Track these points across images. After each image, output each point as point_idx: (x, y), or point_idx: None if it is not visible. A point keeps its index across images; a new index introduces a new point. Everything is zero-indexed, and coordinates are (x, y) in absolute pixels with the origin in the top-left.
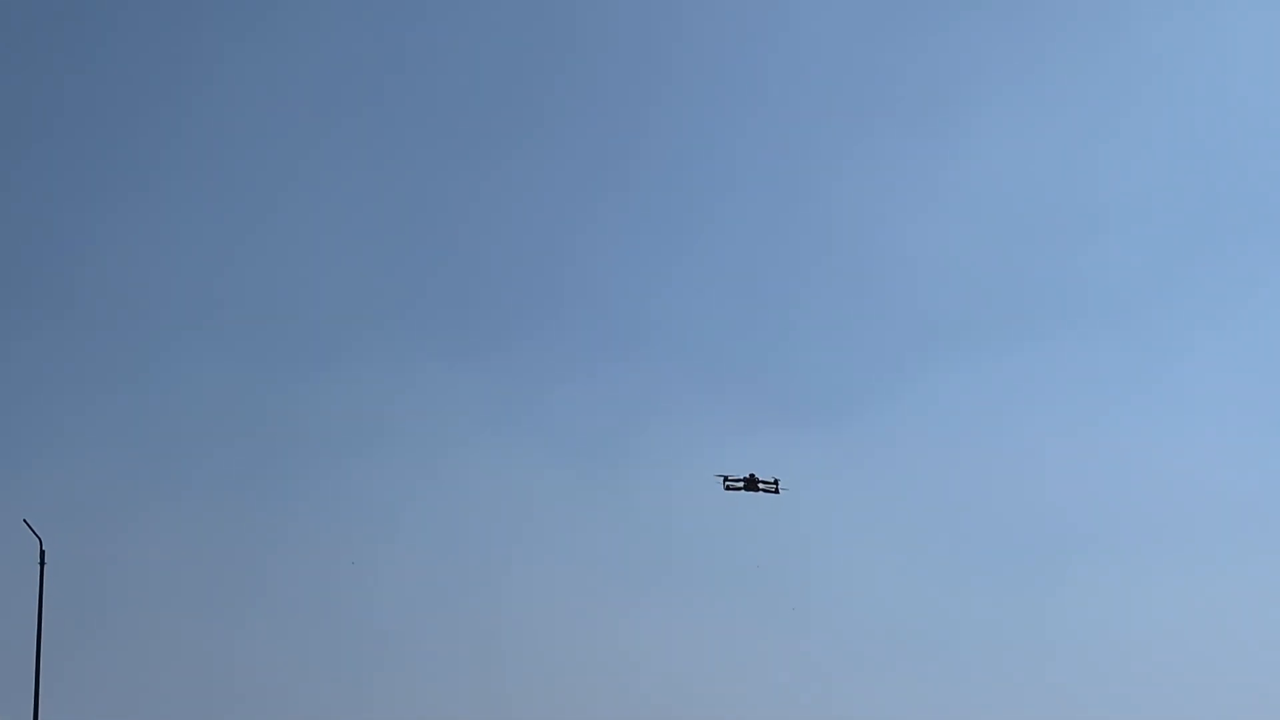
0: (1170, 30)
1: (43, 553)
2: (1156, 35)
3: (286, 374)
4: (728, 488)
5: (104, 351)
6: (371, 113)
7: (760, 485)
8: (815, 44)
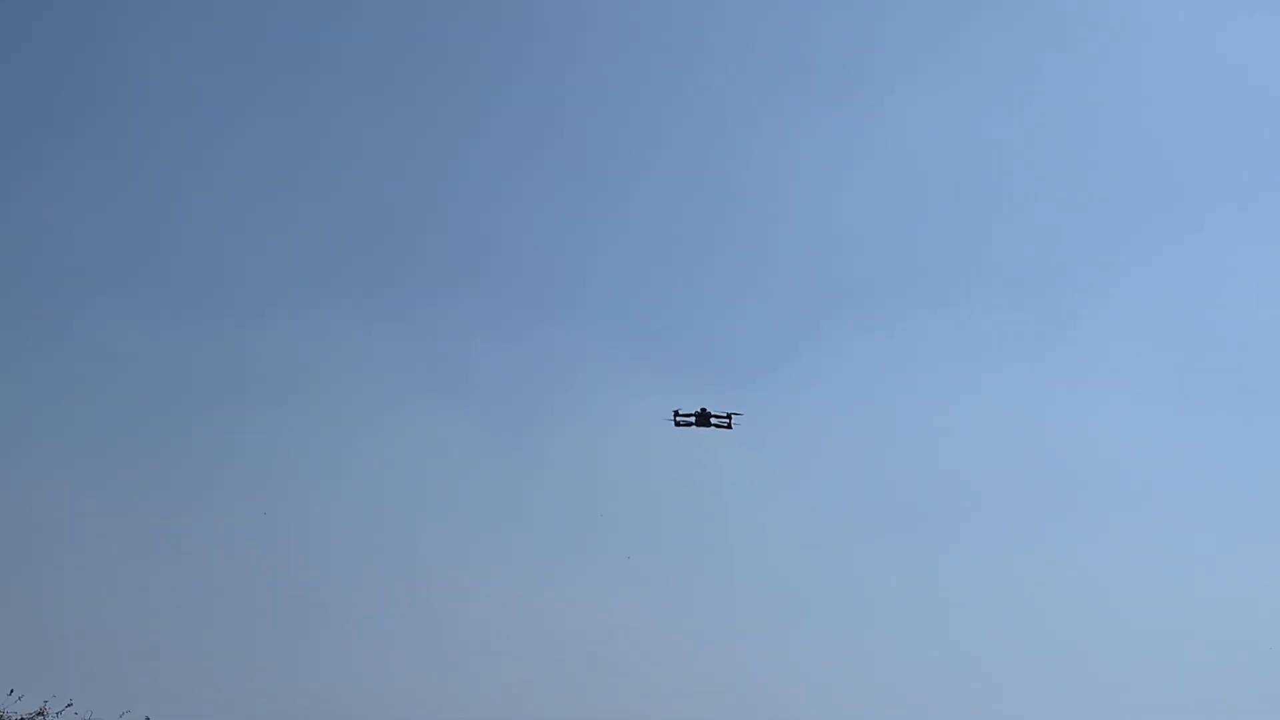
0: (1079, 8)
1: None
2: (1066, 12)
3: (206, 330)
4: (679, 424)
5: (26, 305)
6: (297, 75)
7: (713, 420)
8: (732, 15)
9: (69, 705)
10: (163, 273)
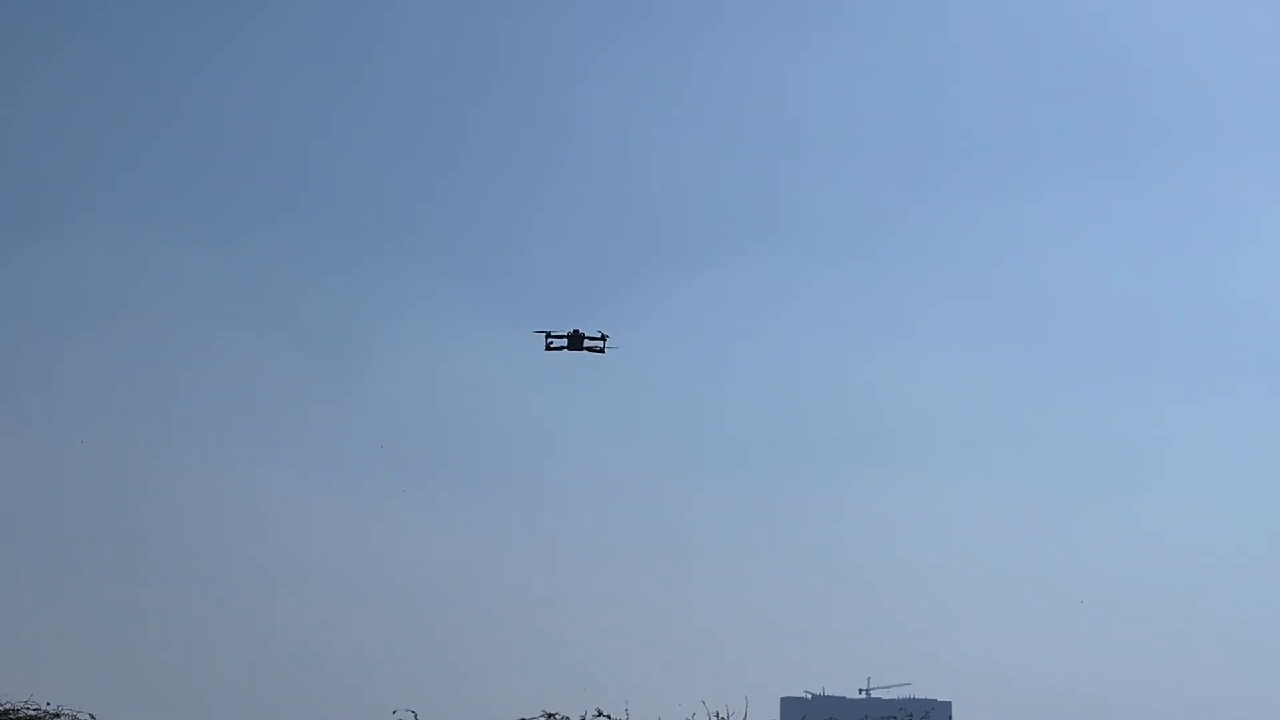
0: None
1: None
2: None
3: (10, 251)
4: (550, 348)
5: None
6: None
7: (586, 343)
8: None
9: None
10: None
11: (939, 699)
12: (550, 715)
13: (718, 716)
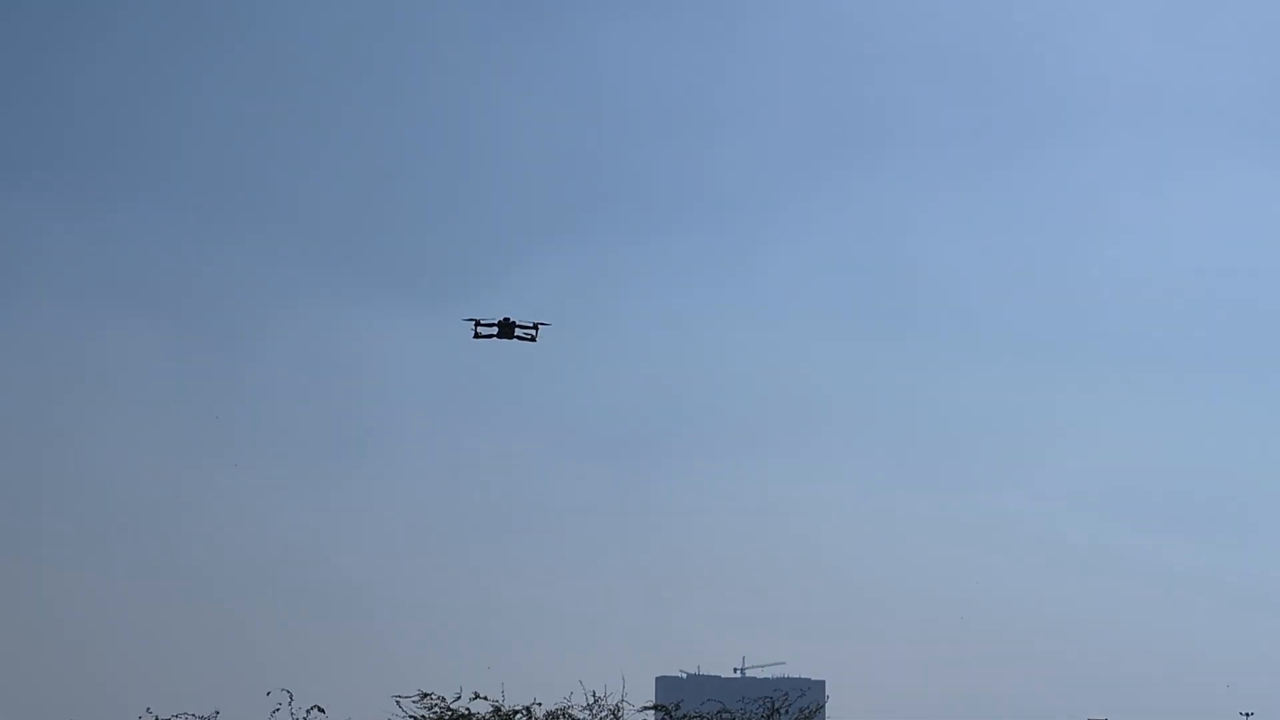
0: None
1: None
2: None
3: None
4: (479, 335)
5: None
6: None
7: (518, 331)
8: None
9: None
10: None
11: (813, 678)
12: (426, 694)
13: (594, 696)
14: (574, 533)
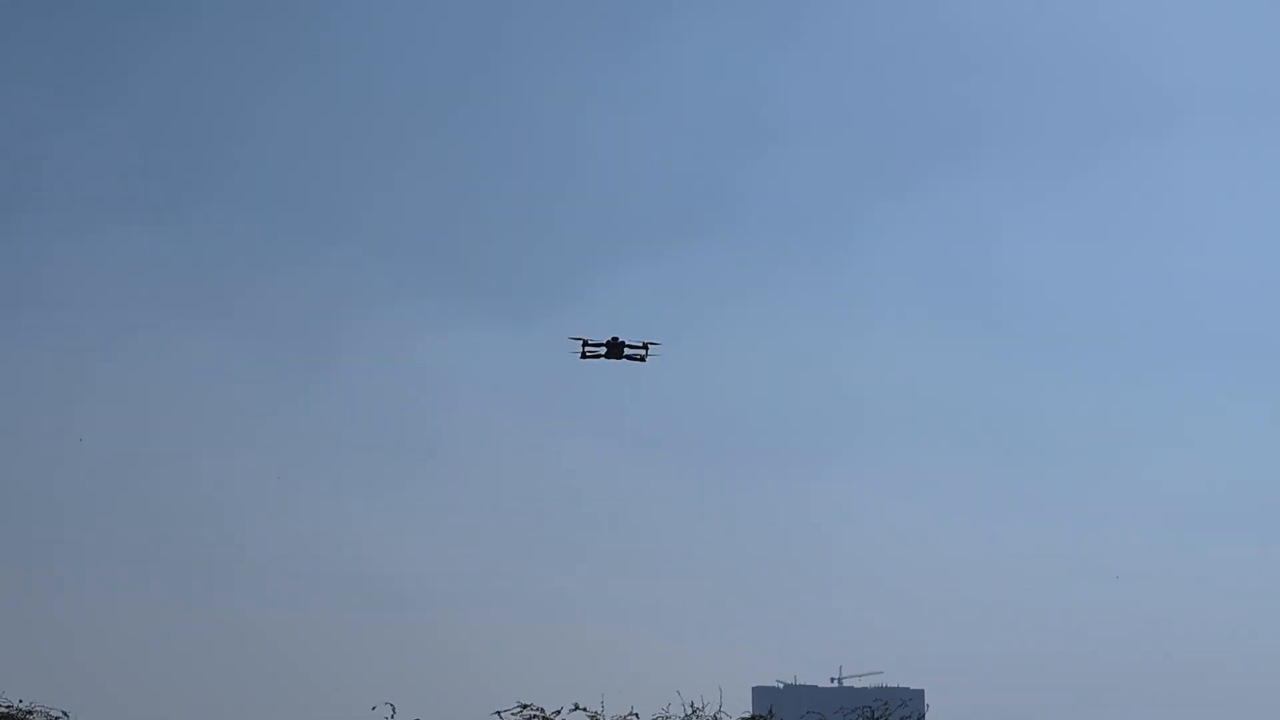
0: None
1: None
2: None
3: None
4: (586, 355)
5: None
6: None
7: (627, 351)
8: None
9: None
10: None
11: (911, 687)
12: (525, 706)
13: (692, 707)
14: (670, 546)
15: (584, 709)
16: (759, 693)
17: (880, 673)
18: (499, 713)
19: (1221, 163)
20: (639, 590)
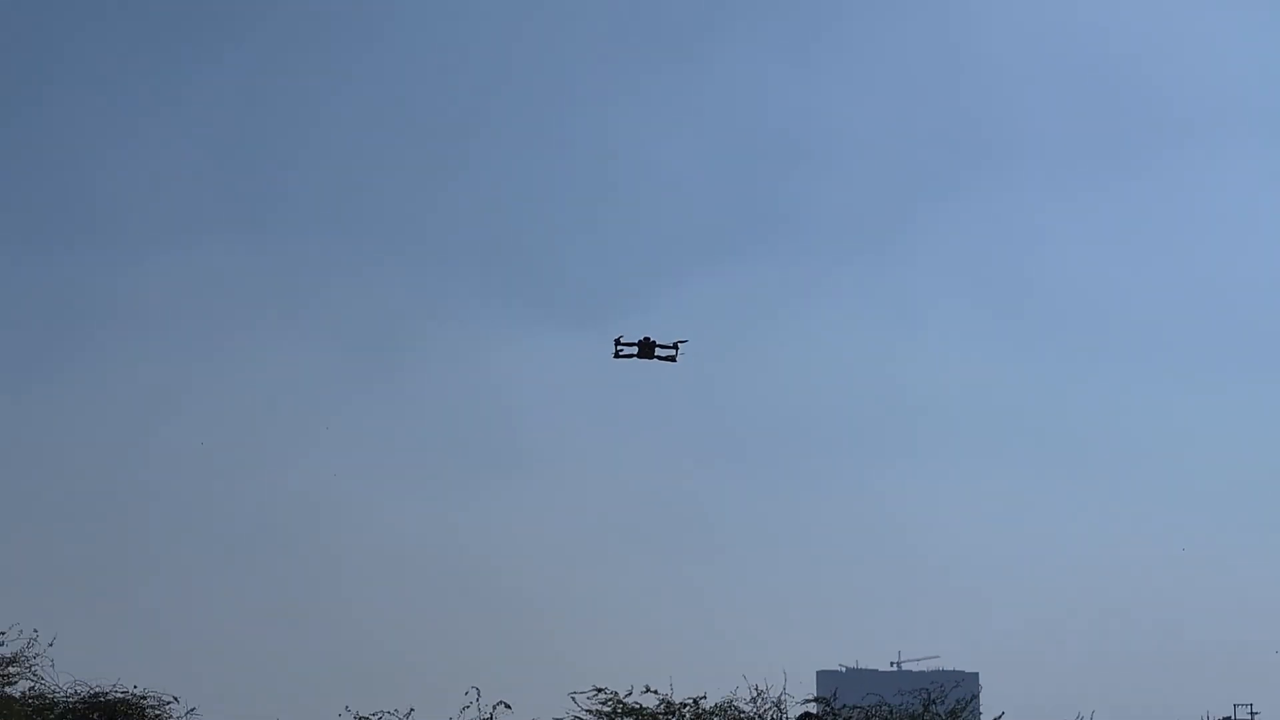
0: None
1: None
2: None
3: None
4: (619, 355)
5: None
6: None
7: (658, 351)
8: None
9: None
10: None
11: (967, 670)
12: (599, 690)
13: (757, 690)
14: (735, 536)
15: (654, 691)
16: (822, 676)
17: (937, 657)
18: (574, 695)
19: (1265, 165)
20: (710, 580)
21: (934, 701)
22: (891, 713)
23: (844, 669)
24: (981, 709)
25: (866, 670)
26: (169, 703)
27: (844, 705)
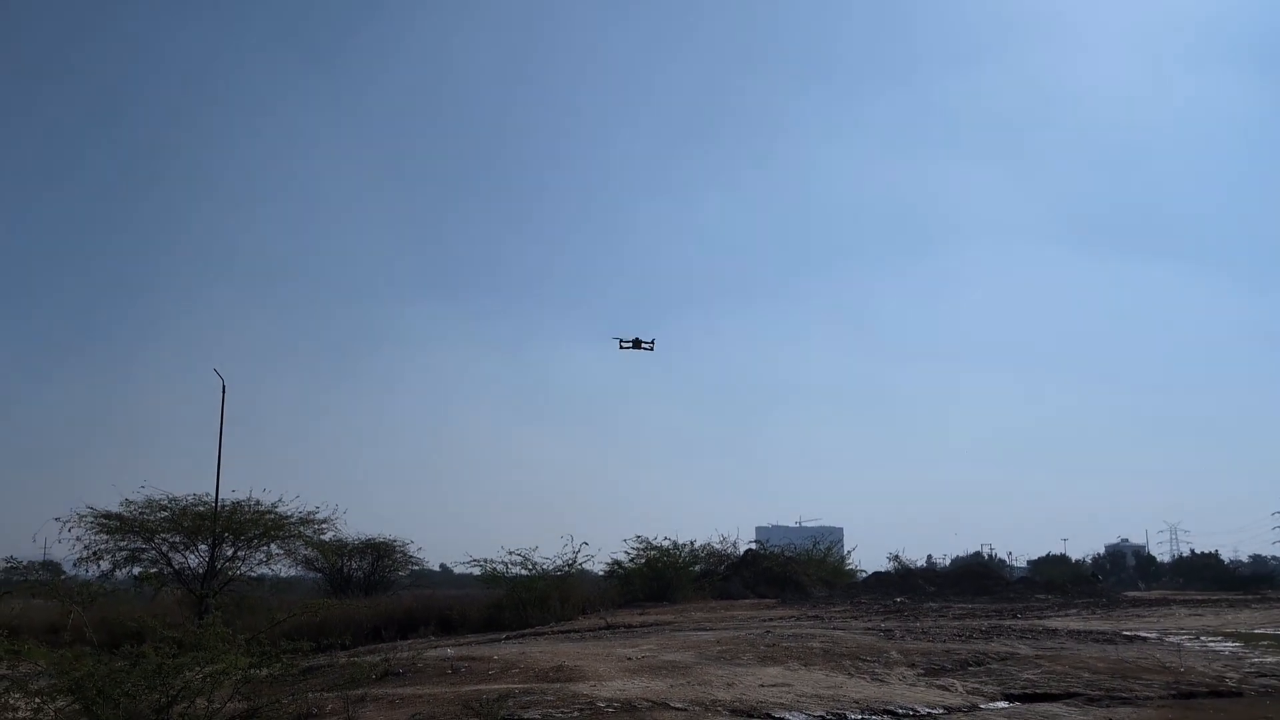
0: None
1: None
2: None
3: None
4: (622, 347)
5: None
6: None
7: (642, 345)
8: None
9: None
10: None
11: (837, 526)
12: (639, 537)
13: (723, 537)
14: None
15: (668, 539)
16: (759, 530)
17: (819, 519)
18: (625, 540)
19: None
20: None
21: (818, 544)
22: (796, 549)
23: (770, 525)
24: (845, 546)
25: (784, 526)
26: (409, 543)
27: (770, 544)
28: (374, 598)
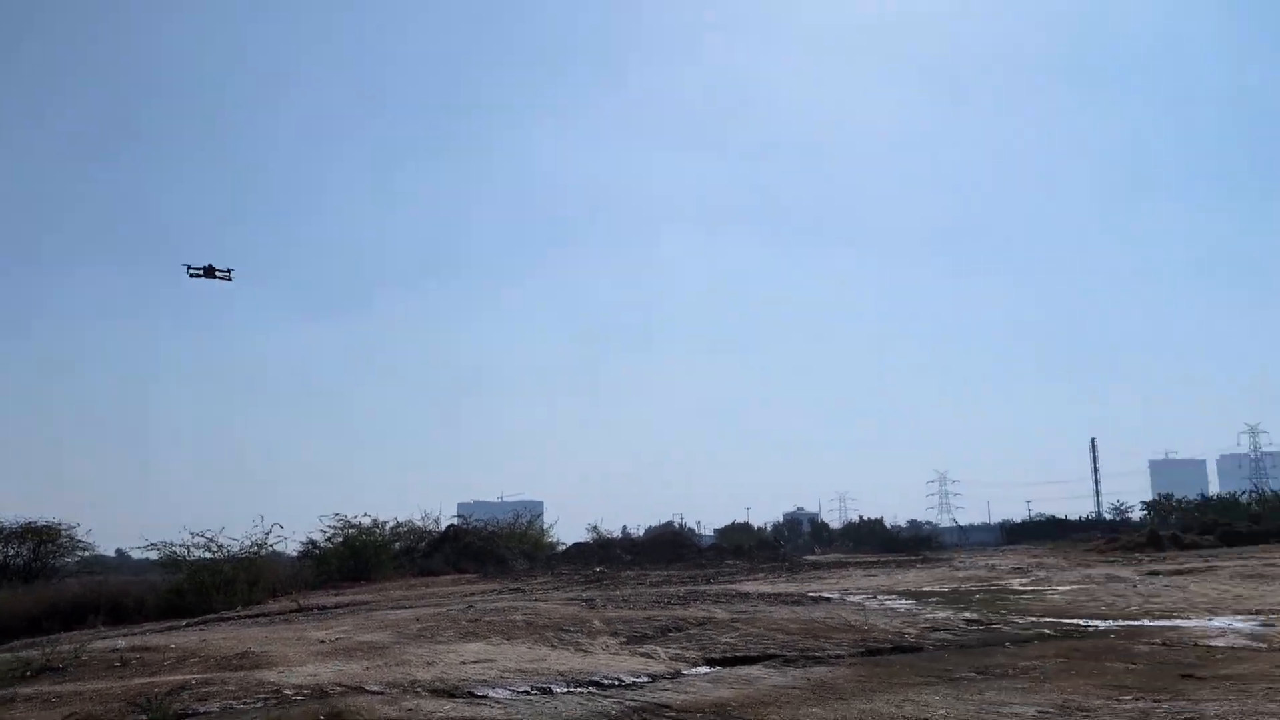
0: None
1: None
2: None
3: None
4: (191, 275)
5: None
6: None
7: (217, 274)
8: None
9: None
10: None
11: (537, 499)
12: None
13: (425, 513)
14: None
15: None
16: (461, 505)
17: (522, 493)
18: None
19: None
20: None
21: (520, 518)
22: (498, 524)
23: (473, 501)
24: (546, 519)
25: (486, 501)
26: (75, 526)
27: (474, 519)
28: (34, 585)
